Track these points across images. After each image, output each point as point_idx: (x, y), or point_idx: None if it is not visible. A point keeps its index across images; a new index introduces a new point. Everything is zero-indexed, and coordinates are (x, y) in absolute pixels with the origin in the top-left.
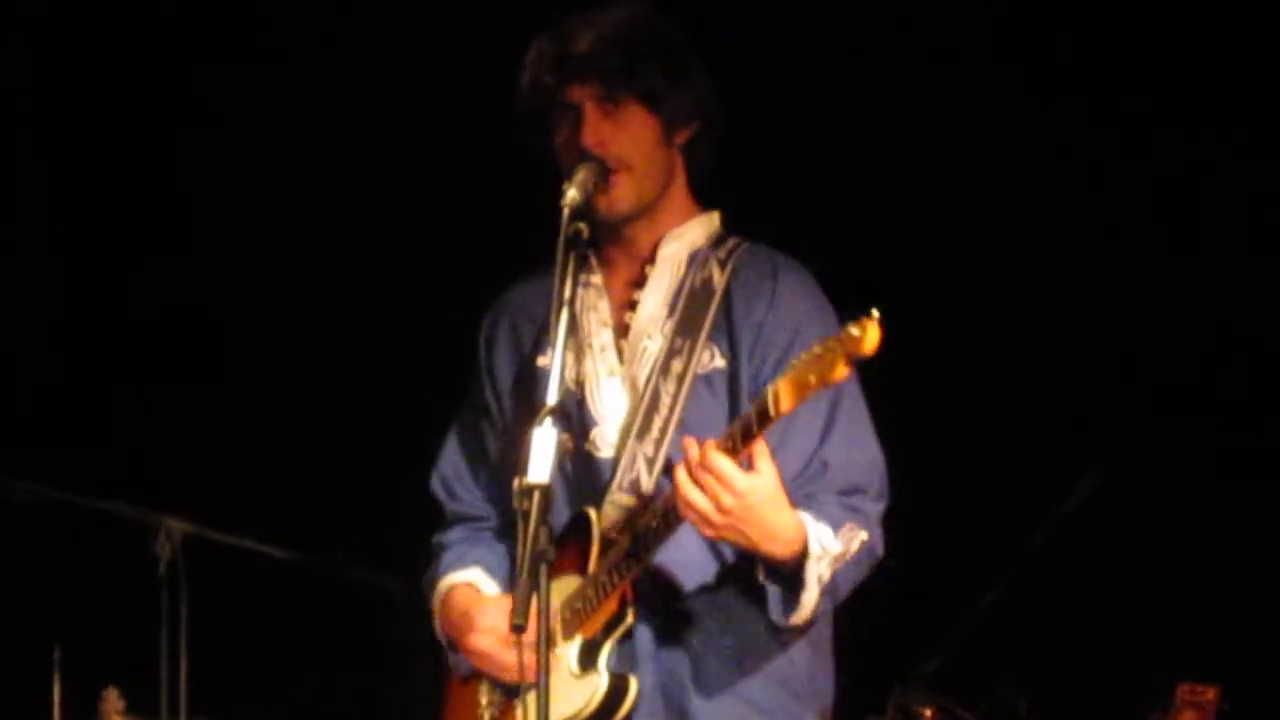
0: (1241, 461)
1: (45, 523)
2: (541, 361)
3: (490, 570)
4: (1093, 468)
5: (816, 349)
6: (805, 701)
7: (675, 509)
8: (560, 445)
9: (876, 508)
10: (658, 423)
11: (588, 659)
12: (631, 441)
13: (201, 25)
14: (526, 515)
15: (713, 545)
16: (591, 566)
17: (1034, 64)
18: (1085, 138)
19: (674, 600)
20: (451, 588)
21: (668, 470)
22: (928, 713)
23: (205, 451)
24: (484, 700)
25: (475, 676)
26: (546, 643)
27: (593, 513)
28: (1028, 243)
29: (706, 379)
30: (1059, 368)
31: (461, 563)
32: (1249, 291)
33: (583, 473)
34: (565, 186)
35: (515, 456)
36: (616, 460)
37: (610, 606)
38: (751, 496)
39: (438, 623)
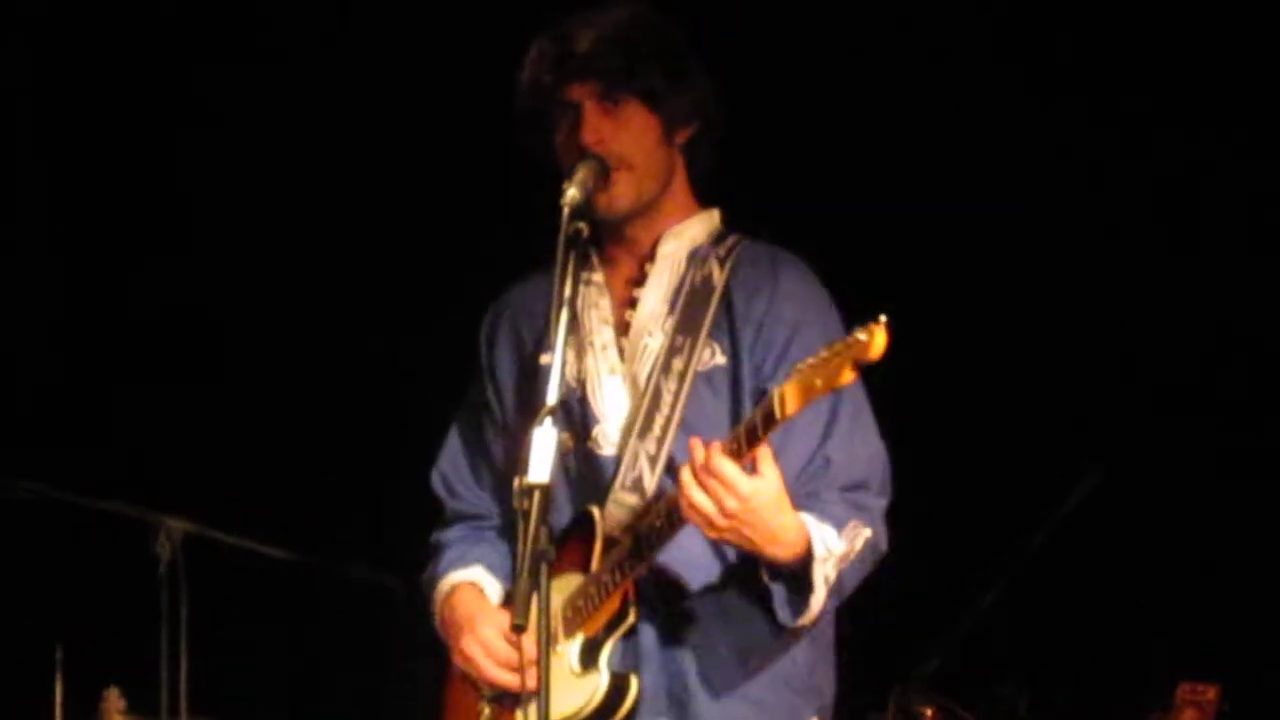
0: (1241, 461)
1: (46, 523)
2: (543, 359)
3: (492, 569)
4: (1093, 468)
5: (823, 353)
6: (806, 699)
7: (679, 510)
8: (561, 444)
9: (880, 503)
10: (659, 421)
11: (589, 657)
12: (633, 440)
13: (201, 25)
14: (527, 515)
15: (715, 545)
16: (594, 565)
17: (1034, 64)
18: (1085, 138)
19: (677, 600)
20: (454, 587)
21: (670, 468)
22: (928, 712)
23: (205, 451)
24: (484, 700)
25: None
26: (547, 642)
27: (596, 511)
28: (1028, 243)
29: (707, 376)
30: (1059, 368)
31: (463, 561)
32: (1249, 291)
33: (585, 471)
34: (565, 185)
35: (517, 455)
36: (619, 458)
37: (612, 605)
38: (755, 500)
39: (437, 621)
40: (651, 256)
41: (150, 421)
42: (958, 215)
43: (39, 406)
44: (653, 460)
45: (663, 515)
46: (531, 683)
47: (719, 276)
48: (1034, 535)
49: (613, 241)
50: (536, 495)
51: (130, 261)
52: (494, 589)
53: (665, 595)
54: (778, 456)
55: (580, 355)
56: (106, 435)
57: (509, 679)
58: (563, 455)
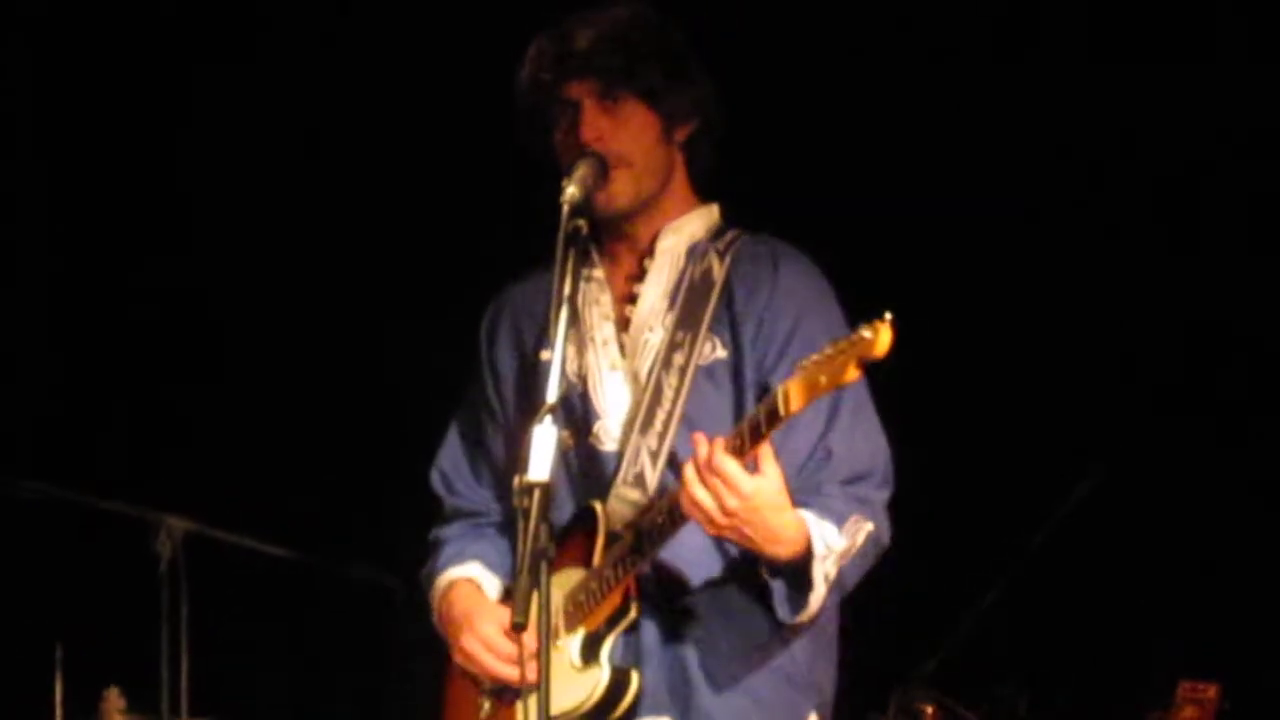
0: (1241, 461)
1: (46, 522)
2: (544, 356)
3: (490, 565)
4: (1093, 467)
5: (828, 350)
6: (805, 695)
7: (681, 506)
8: (561, 442)
9: (882, 495)
10: (661, 416)
11: (589, 652)
12: (635, 435)
13: (201, 25)
14: (527, 513)
15: (716, 541)
16: (596, 559)
17: (1034, 64)
18: (1085, 138)
19: (678, 595)
20: (451, 583)
21: (672, 463)
22: (929, 711)
23: (206, 450)
24: (484, 695)
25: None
26: (548, 639)
27: (598, 506)
28: (1027, 242)
29: (708, 371)
30: (1059, 367)
31: (461, 558)
32: (1249, 291)
33: (587, 467)
34: (565, 183)
35: (517, 452)
36: (620, 454)
37: (614, 600)
38: (756, 499)
39: (436, 617)
40: (651, 252)
41: (151, 420)
42: (957, 215)
43: (40, 406)
44: (654, 455)
45: (665, 512)
46: (532, 676)
47: (719, 271)
48: (1035, 535)
49: (613, 238)
50: (536, 493)
51: (130, 261)
52: (492, 585)
53: (666, 591)
54: (780, 449)
55: (581, 351)
56: (107, 434)
57: (510, 674)
58: (564, 452)
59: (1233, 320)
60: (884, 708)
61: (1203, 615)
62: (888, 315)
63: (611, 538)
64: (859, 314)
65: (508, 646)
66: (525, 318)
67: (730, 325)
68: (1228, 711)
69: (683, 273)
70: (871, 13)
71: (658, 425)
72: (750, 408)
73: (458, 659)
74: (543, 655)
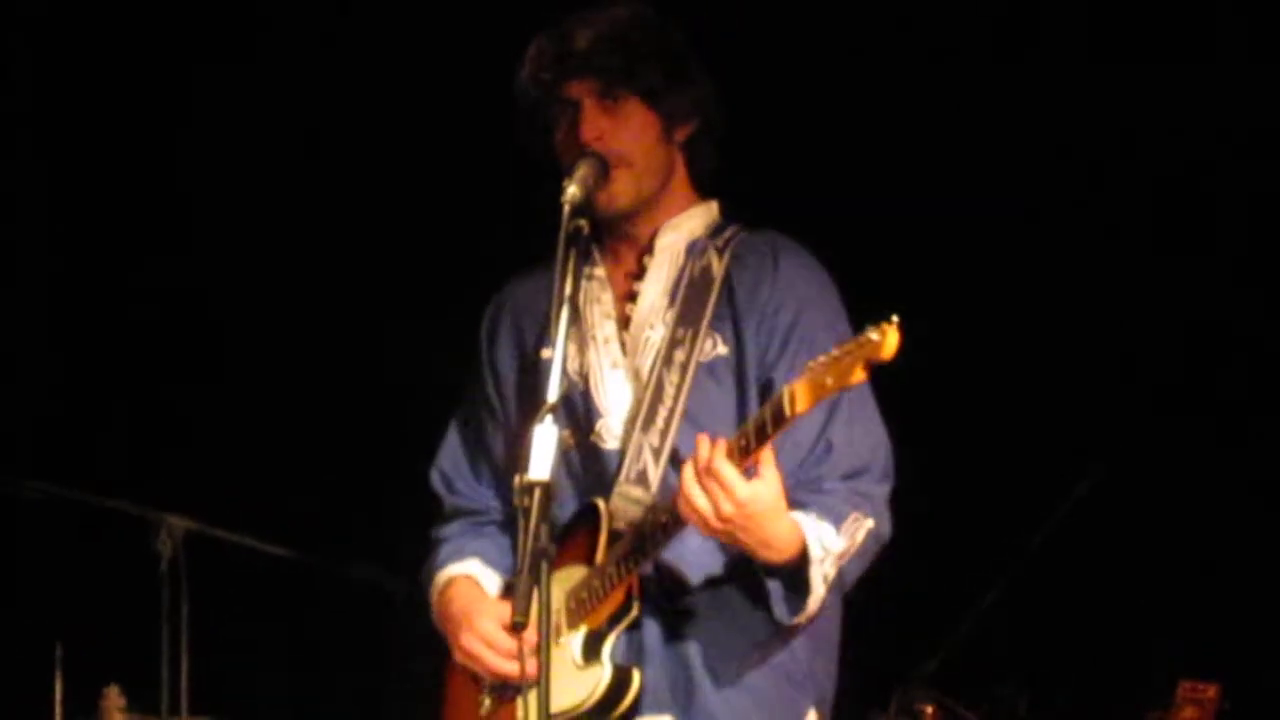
0: (1242, 461)
1: (47, 520)
2: (544, 355)
3: (489, 562)
4: (1093, 467)
5: (834, 351)
6: (804, 691)
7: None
8: (562, 441)
9: (882, 489)
10: (662, 413)
11: (591, 650)
12: (637, 433)
13: (201, 25)
14: (528, 512)
15: (718, 540)
16: (599, 557)
17: (1034, 64)
18: (1085, 138)
19: (679, 594)
20: (450, 580)
21: (674, 460)
22: (930, 711)
23: (206, 449)
24: (485, 691)
25: None
26: (548, 640)
27: (601, 503)
28: (1027, 242)
29: (710, 367)
30: (1059, 367)
31: (459, 555)
32: (1249, 291)
33: (589, 465)
34: (566, 183)
35: (518, 450)
36: (623, 452)
37: (616, 598)
38: (752, 506)
39: (434, 615)
40: (651, 250)
41: (152, 420)
42: (957, 214)
43: (41, 405)
44: (656, 453)
45: (667, 512)
46: (533, 672)
47: (718, 267)
48: (1035, 535)
49: (614, 236)
50: (537, 492)
51: (130, 261)
52: (491, 581)
53: (668, 589)
54: (781, 442)
55: (583, 350)
56: (108, 434)
57: (512, 670)
58: (565, 451)
59: (1233, 320)
60: (885, 707)
61: (1203, 615)
62: (895, 318)
63: (614, 536)
64: (859, 313)
65: (508, 643)
66: (526, 316)
67: (731, 321)
68: (1228, 712)
69: (682, 270)
70: (871, 12)
71: (659, 423)
72: (753, 403)
73: (458, 657)
74: (543, 654)
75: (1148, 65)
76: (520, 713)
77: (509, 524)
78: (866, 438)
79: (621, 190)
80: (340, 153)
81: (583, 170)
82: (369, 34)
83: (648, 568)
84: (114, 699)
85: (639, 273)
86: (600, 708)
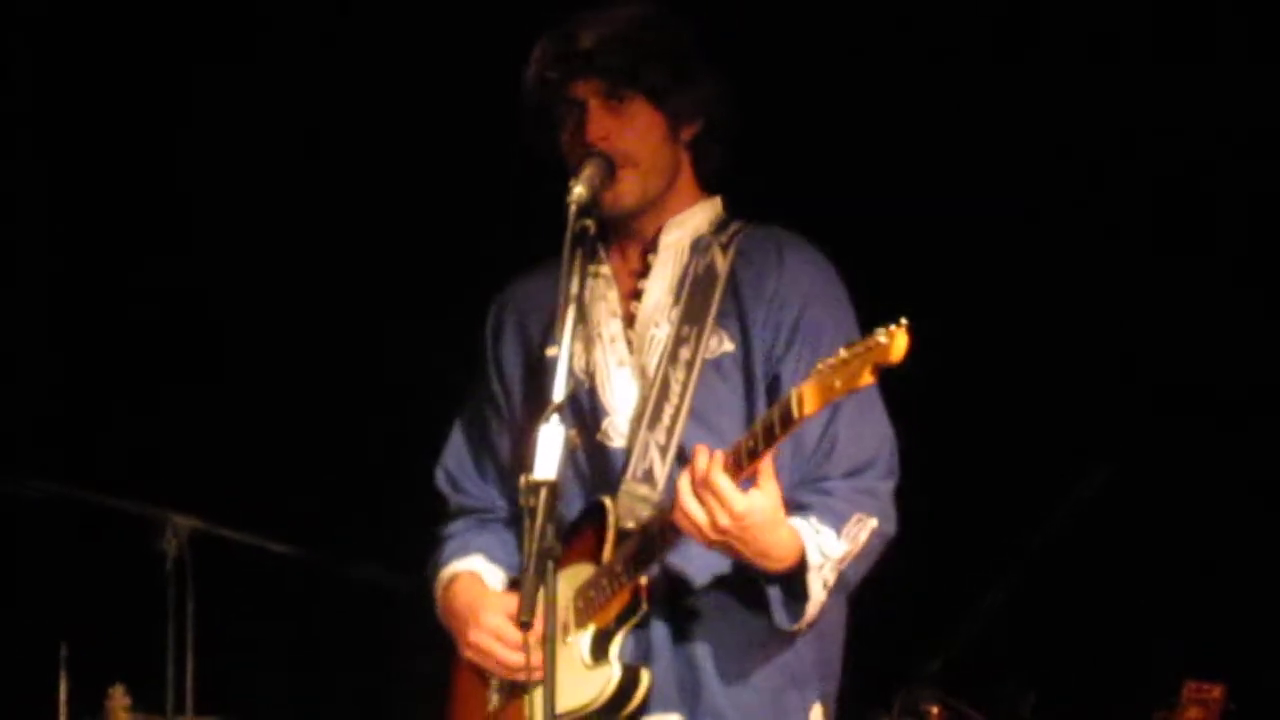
0: (1248, 460)
1: (52, 520)
2: (550, 353)
3: (492, 557)
4: (1098, 466)
5: (843, 353)
6: (809, 685)
7: None
8: (568, 441)
9: (886, 485)
10: (668, 411)
11: (599, 649)
12: (643, 431)
13: (201, 25)
14: (533, 512)
15: None
16: (606, 556)
17: (1034, 64)
18: (1086, 138)
19: (686, 593)
20: (454, 577)
21: (681, 458)
22: (934, 711)
23: (211, 448)
24: (492, 689)
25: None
26: (554, 639)
27: (608, 501)
28: (1029, 241)
29: (716, 364)
30: (1063, 366)
31: (464, 551)
32: (1251, 290)
33: (596, 464)
34: (572, 183)
35: (524, 448)
36: (629, 450)
37: (624, 597)
38: (749, 518)
39: (440, 611)
40: (655, 247)
41: (156, 418)
42: (960, 214)
43: (46, 404)
44: (663, 450)
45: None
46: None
47: (722, 264)
48: (1039, 534)
49: (619, 234)
50: (543, 492)
51: (133, 260)
52: (495, 577)
53: (674, 588)
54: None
55: (588, 348)
56: (113, 433)
57: (522, 661)
58: (571, 450)
59: (1236, 318)
60: (889, 708)
61: (1208, 615)
62: (904, 321)
63: (621, 534)
64: (861, 313)
65: (517, 635)
66: (531, 313)
67: (737, 317)
68: (1233, 712)
69: (687, 267)
70: (871, 12)
71: (665, 420)
72: (759, 399)
73: (467, 654)
74: (548, 655)
75: (1148, 65)
76: (528, 710)
77: (514, 521)
78: (871, 433)
79: (627, 190)
80: (340, 153)
81: (589, 170)
82: (369, 34)
83: (655, 571)
84: (119, 698)
85: (644, 270)
86: (609, 707)
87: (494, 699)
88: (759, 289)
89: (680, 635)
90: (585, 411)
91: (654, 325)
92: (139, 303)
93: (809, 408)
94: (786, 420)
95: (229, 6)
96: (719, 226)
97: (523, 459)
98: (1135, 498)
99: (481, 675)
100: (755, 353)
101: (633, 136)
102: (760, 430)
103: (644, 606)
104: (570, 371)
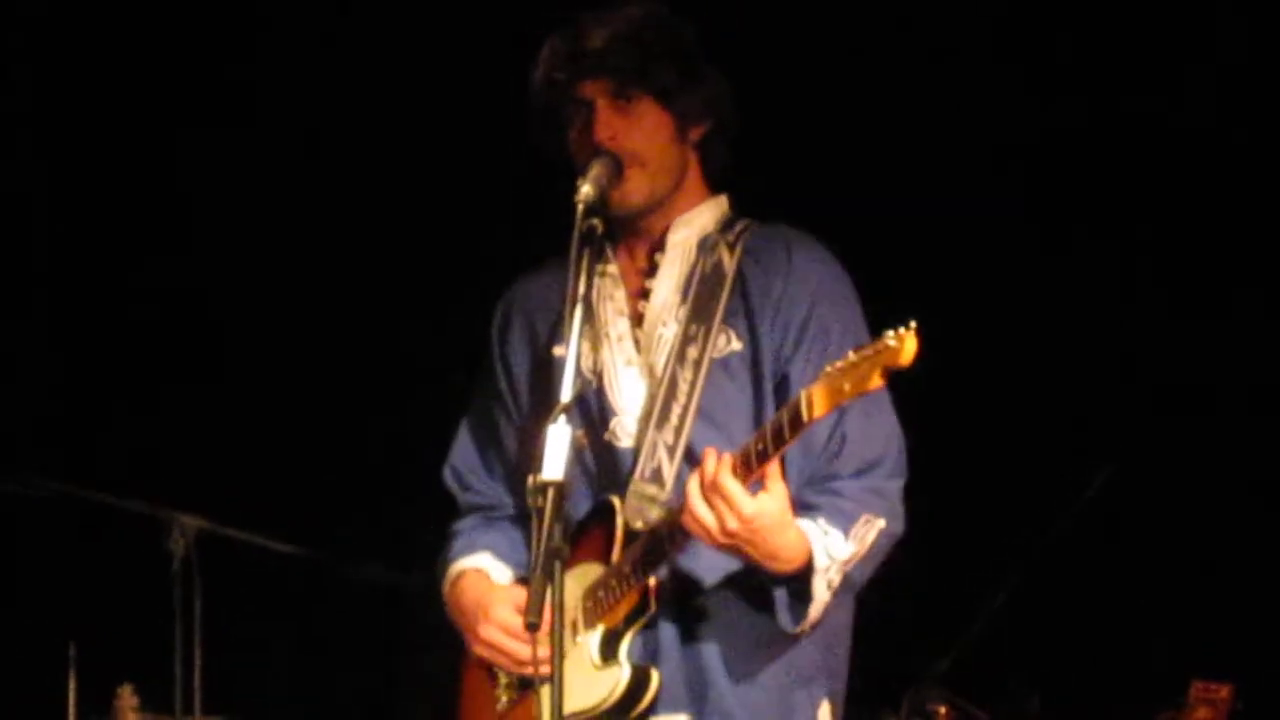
0: (1255, 460)
1: (59, 520)
2: (557, 352)
3: (499, 554)
4: (1103, 466)
5: (852, 356)
6: (817, 683)
7: None
8: (575, 441)
9: (894, 484)
10: (676, 410)
11: (609, 649)
12: (651, 430)
13: (202, 25)
14: (541, 512)
15: None
16: (615, 556)
17: (1034, 63)
18: (1087, 137)
19: (694, 593)
20: (461, 574)
21: (689, 457)
22: (941, 710)
23: (218, 448)
24: (501, 688)
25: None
26: (562, 638)
27: (616, 501)
28: (1028, 241)
29: (724, 363)
30: (1069, 365)
31: (471, 548)
32: (1251, 290)
33: (604, 464)
34: (580, 182)
35: (531, 446)
36: (637, 450)
37: (633, 598)
38: (757, 521)
39: (448, 608)
40: (662, 247)
41: (163, 419)
42: (959, 213)
43: (52, 405)
44: (671, 450)
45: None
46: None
47: (729, 262)
48: (1046, 534)
49: (627, 233)
50: (550, 492)
51: (134, 260)
52: (502, 575)
53: (682, 588)
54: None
55: (596, 347)
56: (119, 433)
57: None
58: (579, 450)
59: (1238, 317)
60: (896, 708)
61: (1215, 615)
62: (913, 324)
63: (630, 535)
64: (866, 313)
65: (517, 647)
66: (539, 311)
67: (745, 316)
68: (1240, 712)
69: (694, 266)
70: (872, 12)
71: (673, 419)
72: (768, 398)
73: (478, 650)
74: (556, 655)
75: (1147, 64)
76: (537, 709)
77: (522, 519)
78: (880, 432)
79: (635, 189)
80: (342, 152)
81: (596, 169)
82: (370, 34)
83: (664, 572)
84: (127, 698)
85: (651, 270)
86: (619, 707)
87: (503, 698)
88: (767, 288)
89: (688, 636)
90: (593, 411)
91: (661, 324)
92: (139, 303)
93: (818, 410)
94: (796, 423)
95: (230, 6)
96: (726, 225)
97: (530, 458)
98: (1143, 497)
99: (490, 675)
100: (764, 351)
101: (641, 136)
102: (769, 433)
103: (652, 607)
104: (578, 371)
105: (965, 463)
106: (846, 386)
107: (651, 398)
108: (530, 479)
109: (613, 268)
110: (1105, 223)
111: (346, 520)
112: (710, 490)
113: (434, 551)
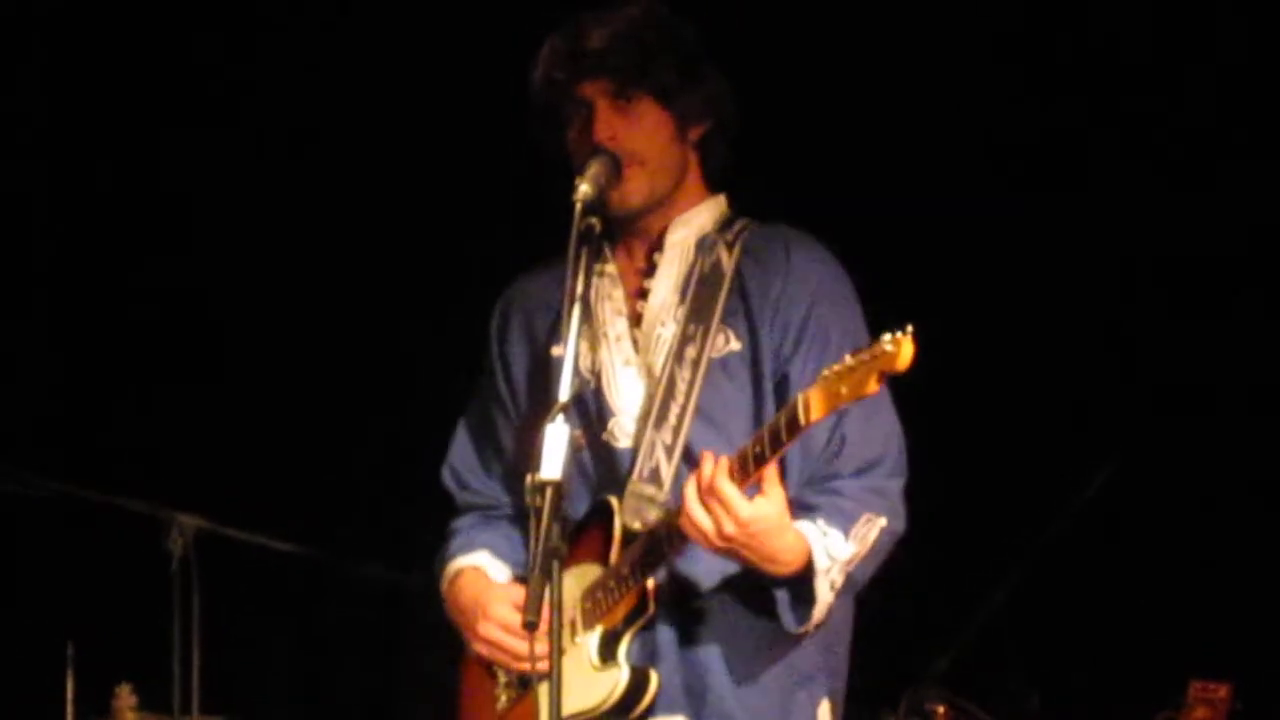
0: (1255, 459)
1: (58, 519)
2: (556, 351)
3: (497, 553)
4: (1104, 465)
5: (849, 360)
6: (817, 682)
7: None
8: (574, 441)
9: (894, 483)
10: (674, 410)
11: (608, 651)
12: (649, 430)
13: (202, 25)
14: (539, 512)
15: None
16: (613, 557)
17: (1034, 63)
18: (1088, 137)
19: (693, 594)
20: (459, 572)
21: (687, 457)
22: (940, 710)
23: (217, 448)
24: (501, 687)
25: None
26: (559, 637)
27: (614, 502)
28: (1028, 240)
29: (723, 363)
30: (1069, 365)
31: (469, 547)
32: (1251, 290)
33: (602, 464)
34: (578, 181)
35: (529, 446)
36: (635, 450)
37: (631, 599)
38: (754, 525)
39: (446, 606)
40: (661, 246)
41: (162, 418)
42: (959, 213)
43: (51, 404)
44: (669, 450)
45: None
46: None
47: (728, 262)
48: (1045, 533)
49: (625, 233)
50: (548, 491)
51: (134, 260)
52: (500, 574)
53: (681, 590)
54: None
55: (595, 347)
56: (118, 432)
57: None
58: (577, 450)
59: (1241, 315)
60: (895, 707)
61: (1214, 615)
62: (909, 328)
63: (628, 536)
64: (869, 310)
65: (517, 644)
66: (538, 311)
67: (745, 316)
68: (1240, 712)
69: (692, 266)
70: (872, 12)
71: (671, 420)
72: (768, 398)
73: (478, 649)
74: (554, 654)
75: (1147, 64)
76: (535, 708)
77: (520, 518)
78: (880, 431)
79: (635, 189)
80: (342, 152)
81: (595, 168)
82: (371, 33)
83: (662, 574)
84: (126, 698)
85: (650, 269)
86: (618, 709)
87: (502, 698)
88: (766, 288)
89: (686, 637)
90: (591, 411)
91: (660, 324)
92: (139, 303)
93: (815, 414)
94: (792, 426)
95: (230, 5)
96: (724, 225)
97: (528, 457)
98: (1142, 496)
99: (490, 674)
100: (763, 351)
101: (640, 136)
102: (766, 436)
103: (651, 609)
104: (576, 371)
105: (965, 462)
106: (843, 390)
107: (650, 398)
108: (528, 478)
109: (611, 267)
110: (1105, 223)
111: (346, 520)
112: (707, 494)
113: (434, 551)
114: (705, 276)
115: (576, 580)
